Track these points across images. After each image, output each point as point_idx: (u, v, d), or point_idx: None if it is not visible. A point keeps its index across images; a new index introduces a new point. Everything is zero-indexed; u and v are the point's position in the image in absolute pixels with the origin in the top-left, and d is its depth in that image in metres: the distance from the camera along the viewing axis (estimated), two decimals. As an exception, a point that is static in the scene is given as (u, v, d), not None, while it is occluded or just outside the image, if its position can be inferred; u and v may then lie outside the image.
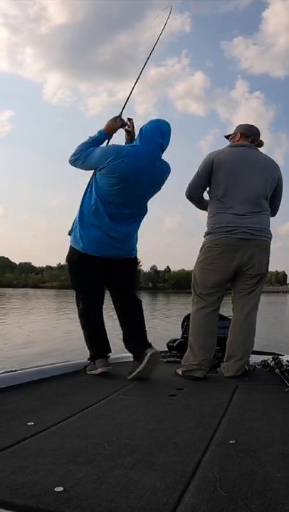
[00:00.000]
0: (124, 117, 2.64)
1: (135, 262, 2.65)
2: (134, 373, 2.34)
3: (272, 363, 2.58)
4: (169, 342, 3.24)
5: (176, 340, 3.20)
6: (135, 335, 2.47)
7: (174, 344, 3.16)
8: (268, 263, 2.59)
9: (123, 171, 2.35)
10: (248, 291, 2.56)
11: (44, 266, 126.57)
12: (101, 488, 1.07)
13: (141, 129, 2.46)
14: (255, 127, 2.67)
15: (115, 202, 2.41)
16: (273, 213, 2.70)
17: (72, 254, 2.50)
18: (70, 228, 2.55)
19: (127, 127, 2.64)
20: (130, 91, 2.64)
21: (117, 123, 2.60)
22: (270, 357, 2.70)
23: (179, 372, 2.54)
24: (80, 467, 1.19)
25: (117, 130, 2.61)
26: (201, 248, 2.60)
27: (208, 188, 2.64)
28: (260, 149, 2.66)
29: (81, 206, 2.47)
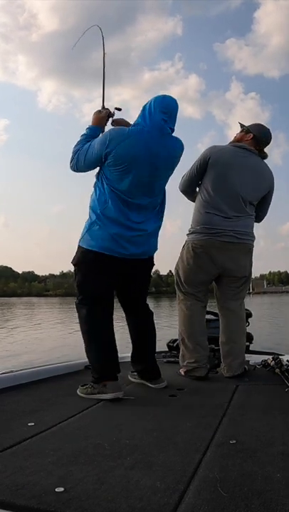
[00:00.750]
0: (111, 109, 2.37)
1: (152, 261, 2.36)
2: (137, 381, 2.32)
3: (273, 363, 2.58)
4: (169, 342, 3.24)
5: (176, 340, 3.20)
6: (146, 357, 2.32)
7: (174, 344, 3.16)
8: (251, 265, 2.62)
9: (130, 153, 2.09)
10: (234, 293, 2.59)
11: (47, 274, 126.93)
12: (101, 488, 1.07)
13: (144, 106, 2.21)
14: (270, 136, 2.65)
15: (130, 191, 2.14)
16: (259, 220, 2.71)
17: (85, 255, 2.18)
18: (79, 238, 2.25)
19: (114, 117, 2.36)
20: (102, 90, 2.42)
21: (102, 113, 2.34)
22: (270, 357, 2.70)
23: (182, 372, 2.55)
24: (81, 467, 1.19)
25: (105, 121, 2.35)
26: (184, 246, 2.60)
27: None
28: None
29: (93, 208, 2.20)
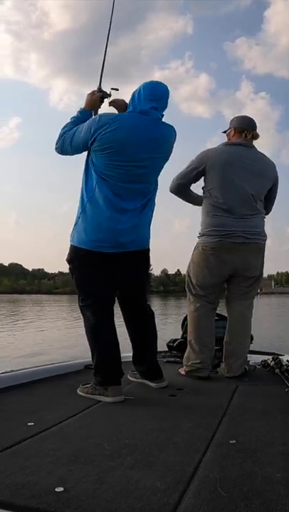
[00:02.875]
0: (108, 90, 2.26)
1: (148, 255, 2.26)
2: (138, 380, 2.32)
3: (272, 363, 2.58)
4: (169, 342, 3.24)
5: (176, 340, 3.20)
6: (147, 357, 2.28)
7: (174, 344, 3.16)
8: (262, 265, 2.60)
9: (117, 139, 2.02)
10: (243, 293, 2.58)
11: (56, 272, 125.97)
12: (101, 488, 1.07)
13: (133, 93, 2.14)
14: (248, 119, 2.62)
15: (118, 177, 2.06)
16: (267, 212, 2.70)
17: (76, 253, 2.13)
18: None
19: (110, 98, 2.25)
20: (101, 70, 2.29)
21: (96, 94, 2.23)
22: (270, 357, 2.71)
23: (182, 372, 2.55)
24: (81, 467, 1.19)
25: (99, 104, 2.25)
26: (195, 248, 2.60)
27: (202, 186, 2.62)
28: (255, 143, 2.62)
29: (81, 197, 2.13)
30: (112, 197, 2.06)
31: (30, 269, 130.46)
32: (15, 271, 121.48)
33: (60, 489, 1.05)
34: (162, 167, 2.21)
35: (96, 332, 2.09)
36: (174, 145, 2.22)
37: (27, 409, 1.77)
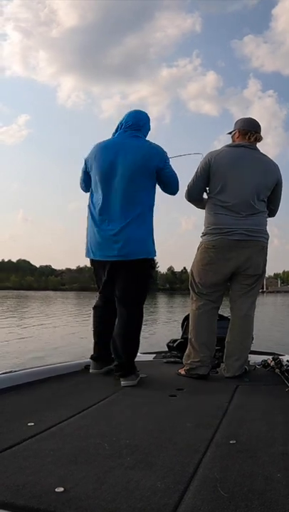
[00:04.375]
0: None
1: (137, 264, 2.35)
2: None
3: (273, 363, 2.59)
4: (169, 342, 3.25)
5: (176, 340, 3.20)
6: (121, 353, 2.37)
7: (174, 344, 3.17)
8: (265, 264, 2.60)
9: (93, 160, 2.42)
10: (245, 291, 2.58)
11: (64, 268, 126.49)
12: (101, 488, 1.06)
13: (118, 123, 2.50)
14: (253, 122, 2.65)
15: (98, 190, 2.39)
16: (272, 214, 2.70)
17: (90, 261, 2.57)
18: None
19: None
20: None
21: None
22: (270, 357, 2.71)
23: (182, 372, 2.55)
24: (81, 467, 1.19)
25: None
26: (198, 248, 2.62)
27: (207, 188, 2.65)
28: (259, 145, 2.64)
29: None
30: (97, 209, 2.38)
31: (37, 266, 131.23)
32: (23, 267, 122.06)
33: (60, 489, 1.05)
34: (141, 174, 2.33)
35: (94, 321, 2.61)
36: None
37: (27, 410, 1.77)
